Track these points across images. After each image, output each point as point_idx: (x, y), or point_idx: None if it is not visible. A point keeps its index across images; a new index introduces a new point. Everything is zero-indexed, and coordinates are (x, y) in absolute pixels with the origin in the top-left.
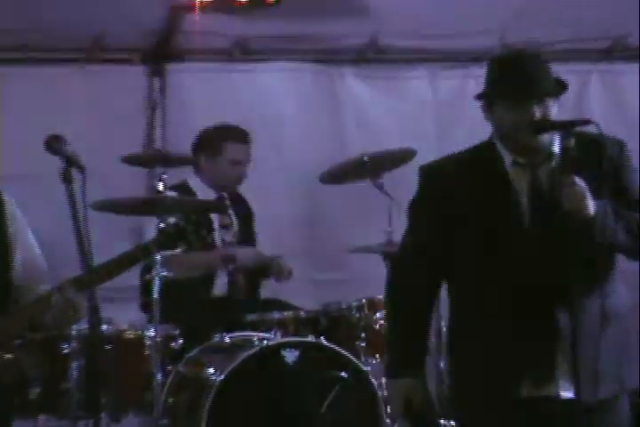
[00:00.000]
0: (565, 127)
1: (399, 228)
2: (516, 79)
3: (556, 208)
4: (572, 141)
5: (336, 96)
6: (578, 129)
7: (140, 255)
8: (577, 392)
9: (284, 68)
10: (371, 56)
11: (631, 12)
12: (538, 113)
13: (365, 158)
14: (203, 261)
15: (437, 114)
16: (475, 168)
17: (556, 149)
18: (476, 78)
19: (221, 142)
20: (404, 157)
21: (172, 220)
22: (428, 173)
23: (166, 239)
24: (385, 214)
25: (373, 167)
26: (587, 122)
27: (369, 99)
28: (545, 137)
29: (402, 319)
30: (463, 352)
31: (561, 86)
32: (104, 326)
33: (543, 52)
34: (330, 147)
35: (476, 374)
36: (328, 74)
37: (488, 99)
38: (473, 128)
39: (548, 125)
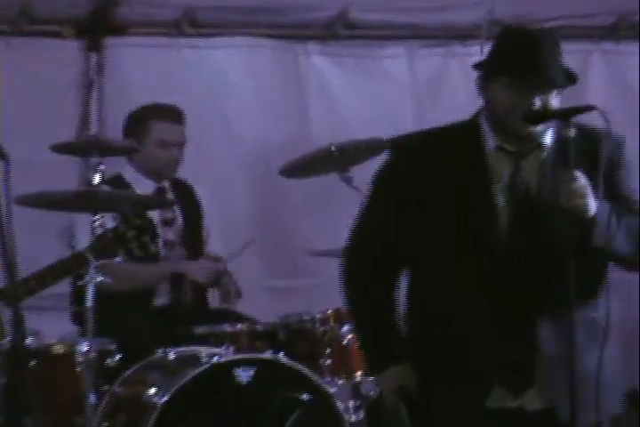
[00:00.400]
0: (566, 116)
1: None
2: (526, 60)
3: (542, 205)
4: (573, 131)
5: (299, 77)
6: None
7: (74, 265)
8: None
9: (239, 43)
10: (339, 31)
11: None
12: (538, 102)
13: (333, 149)
14: (146, 275)
15: (415, 97)
16: (450, 147)
17: (548, 138)
18: (458, 58)
19: (148, 122)
20: (376, 147)
21: (109, 223)
22: (396, 146)
23: (104, 246)
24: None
25: (341, 159)
26: (590, 108)
27: (337, 80)
28: (539, 126)
29: (366, 312)
30: (426, 348)
31: (570, 78)
32: (29, 339)
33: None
34: (292, 134)
35: (441, 376)
36: (290, 51)
37: (488, 72)
38: (455, 113)
39: (546, 115)
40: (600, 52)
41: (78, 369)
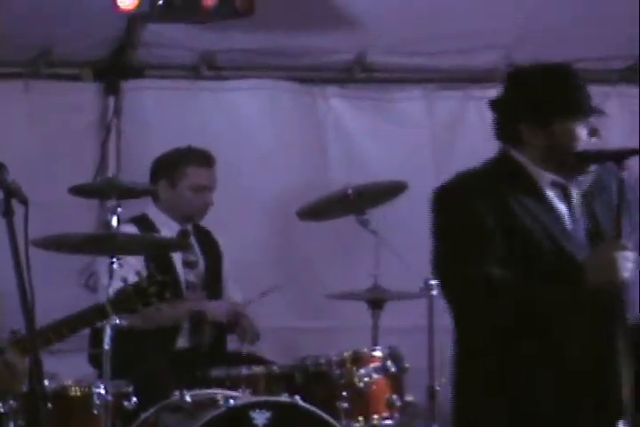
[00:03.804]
0: (617, 158)
1: (386, 271)
2: (583, 99)
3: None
4: (625, 174)
5: (317, 119)
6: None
7: (93, 317)
8: None
9: (257, 86)
10: (357, 74)
11: None
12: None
13: (349, 191)
14: (168, 313)
15: (433, 140)
16: (508, 183)
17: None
18: (476, 100)
19: (182, 167)
20: (393, 190)
21: (132, 278)
22: (454, 189)
23: (125, 301)
24: (371, 255)
25: (358, 201)
26: (635, 152)
27: (355, 123)
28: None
29: (518, 292)
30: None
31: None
32: (46, 382)
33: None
34: (311, 178)
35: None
36: (308, 94)
37: (543, 117)
38: (472, 156)
39: (601, 157)
40: (617, 95)
41: (95, 412)
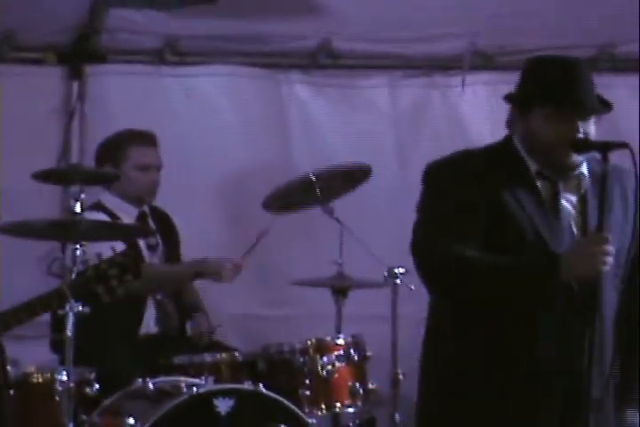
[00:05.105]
0: (605, 149)
1: (350, 259)
2: (567, 89)
3: (582, 229)
4: (609, 166)
5: (281, 106)
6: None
7: (53, 301)
8: None
9: (221, 72)
10: (322, 61)
11: (619, 18)
12: (582, 130)
13: (312, 176)
14: (174, 275)
15: (397, 126)
16: (498, 167)
17: (585, 169)
18: (441, 88)
19: (124, 148)
20: (357, 173)
21: (92, 260)
22: (446, 166)
23: (84, 283)
24: (335, 243)
25: (321, 188)
26: (624, 145)
27: (319, 110)
28: (579, 156)
29: (475, 262)
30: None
31: (606, 104)
32: (8, 368)
33: (518, 61)
34: (274, 163)
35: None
36: (272, 80)
37: (526, 103)
38: (436, 143)
39: (590, 145)
40: None
41: (57, 398)
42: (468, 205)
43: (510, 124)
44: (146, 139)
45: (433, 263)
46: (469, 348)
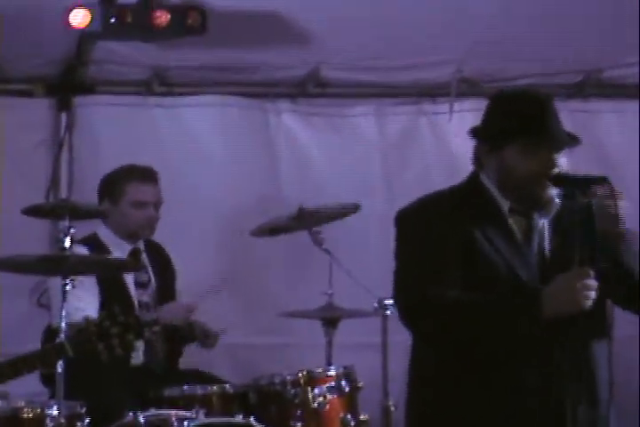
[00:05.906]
0: (585, 184)
1: (340, 289)
2: (539, 124)
3: (554, 264)
4: (593, 200)
5: (270, 135)
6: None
7: (54, 358)
8: None
9: (208, 102)
10: (310, 90)
11: (606, 44)
12: (556, 164)
13: (303, 211)
14: None
15: (385, 155)
16: (469, 208)
17: (556, 199)
18: (428, 115)
19: (122, 184)
20: (345, 211)
21: (91, 316)
22: (415, 211)
23: (85, 341)
24: (325, 273)
25: (311, 222)
26: (603, 180)
27: (307, 138)
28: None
29: (458, 307)
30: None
31: (574, 138)
32: None
33: (505, 88)
34: (262, 193)
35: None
36: (261, 109)
37: (498, 139)
38: (424, 171)
39: (571, 181)
40: (568, 111)
41: None
42: (440, 246)
43: (477, 160)
44: (144, 175)
45: (414, 312)
46: (451, 391)
